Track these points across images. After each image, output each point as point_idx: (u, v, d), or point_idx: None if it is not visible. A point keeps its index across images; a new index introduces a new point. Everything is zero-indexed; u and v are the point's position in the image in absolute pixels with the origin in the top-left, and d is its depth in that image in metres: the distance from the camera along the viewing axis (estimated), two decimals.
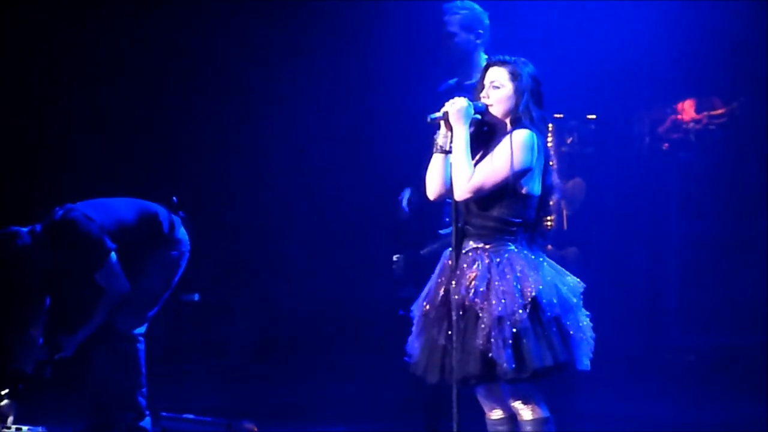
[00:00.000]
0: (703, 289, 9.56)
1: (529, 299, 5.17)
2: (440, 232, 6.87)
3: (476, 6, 7.13)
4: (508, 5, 8.89)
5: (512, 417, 5.36)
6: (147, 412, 7.04)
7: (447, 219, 6.71)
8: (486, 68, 5.43)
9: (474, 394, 5.42)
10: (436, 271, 5.45)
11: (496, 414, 5.40)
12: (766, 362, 8.70)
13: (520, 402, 5.29)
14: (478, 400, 5.43)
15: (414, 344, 5.41)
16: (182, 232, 7.20)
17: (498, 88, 5.37)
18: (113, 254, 6.92)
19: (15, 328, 7.13)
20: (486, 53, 6.91)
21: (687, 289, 9.69)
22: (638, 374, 8.75)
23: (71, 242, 6.92)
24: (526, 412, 5.29)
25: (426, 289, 5.45)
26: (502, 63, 5.41)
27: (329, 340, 9.44)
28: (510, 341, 5.12)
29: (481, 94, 5.39)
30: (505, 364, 5.10)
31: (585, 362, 5.27)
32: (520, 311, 5.14)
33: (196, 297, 8.01)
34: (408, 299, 6.15)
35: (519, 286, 5.20)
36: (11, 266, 6.92)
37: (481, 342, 5.14)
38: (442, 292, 5.34)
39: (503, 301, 5.16)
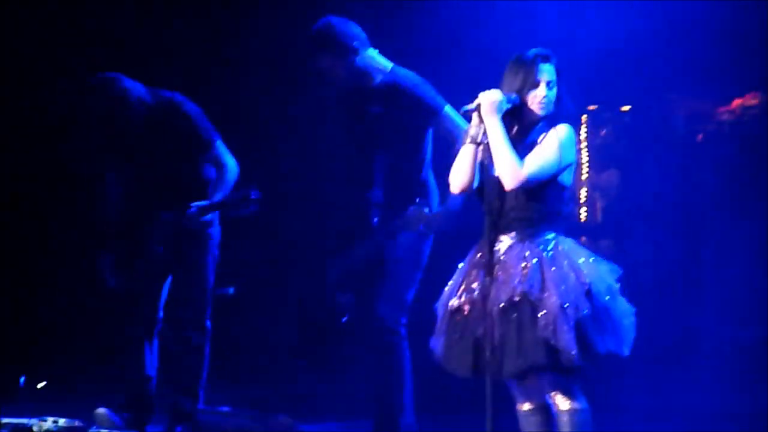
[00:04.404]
0: (738, 280, 9.48)
1: (587, 287, 5.20)
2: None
3: (332, 24, 6.51)
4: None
5: (543, 407, 5.38)
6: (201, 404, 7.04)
7: (376, 219, 6.60)
8: (533, 63, 5.40)
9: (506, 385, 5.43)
10: (463, 266, 5.45)
11: (527, 405, 5.42)
12: None
13: (560, 393, 5.30)
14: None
15: (440, 341, 5.41)
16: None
17: (553, 88, 5.39)
18: (219, 141, 6.83)
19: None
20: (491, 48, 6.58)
21: (724, 281, 9.62)
22: (676, 364, 8.72)
23: (181, 117, 6.78)
24: (564, 403, 5.30)
25: (451, 286, 5.45)
26: (549, 59, 5.41)
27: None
28: (574, 329, 5.14)
29: (536, 92, 5.37)
30: (572, 352, 5.12)
31: (626, 350, 5.29)
32: (582, 299, 5.18)
33: (231, 290, 7.99)
34: (347, 304, 6.13)
35: (574, 275, 5.22)
36: (108, 105, 6.74)
37: (544, 331, 5.16)
38: (475, 287, 5.34)
39: (563, 289, 5.18)
